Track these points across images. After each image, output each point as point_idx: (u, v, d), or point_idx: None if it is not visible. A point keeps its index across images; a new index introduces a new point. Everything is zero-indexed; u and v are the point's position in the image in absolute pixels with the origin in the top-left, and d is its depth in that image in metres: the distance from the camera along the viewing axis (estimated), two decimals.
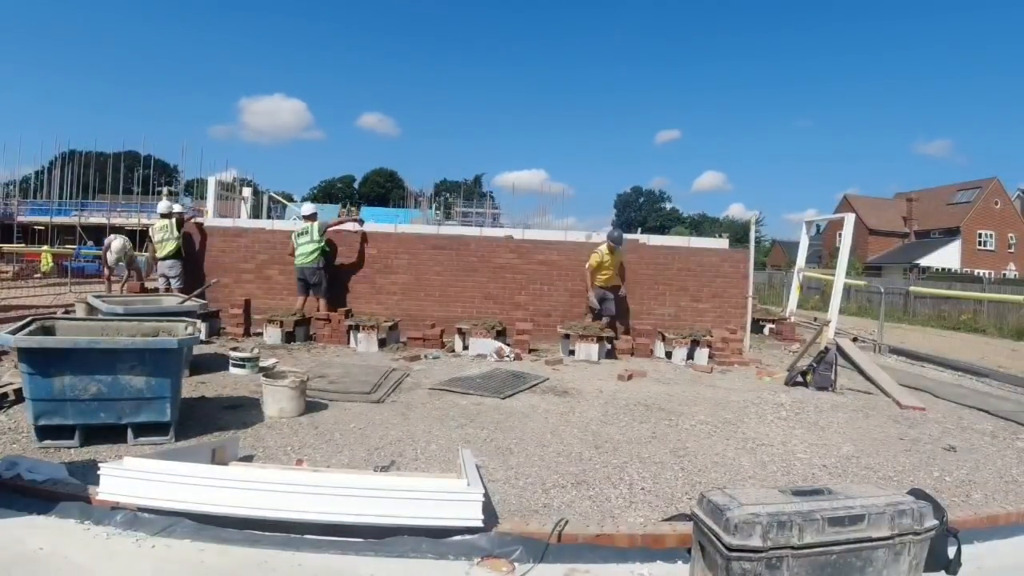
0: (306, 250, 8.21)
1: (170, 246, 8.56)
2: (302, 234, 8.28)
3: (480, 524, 2.57)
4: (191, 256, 8.81)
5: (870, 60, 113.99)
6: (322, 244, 8.26)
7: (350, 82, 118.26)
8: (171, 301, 7.08)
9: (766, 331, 10.51)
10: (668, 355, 7.65)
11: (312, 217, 8.42)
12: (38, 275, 18.81)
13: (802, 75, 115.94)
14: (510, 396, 5.31)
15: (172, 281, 8.57)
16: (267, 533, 2.57)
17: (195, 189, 35.78)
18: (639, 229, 34.36)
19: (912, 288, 17.74)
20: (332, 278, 8.55)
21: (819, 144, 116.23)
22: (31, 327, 3.91)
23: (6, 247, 20.84)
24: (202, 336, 6.46)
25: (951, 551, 2.47)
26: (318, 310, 8.23)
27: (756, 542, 1.99)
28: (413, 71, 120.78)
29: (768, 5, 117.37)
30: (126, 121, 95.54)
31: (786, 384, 6.33)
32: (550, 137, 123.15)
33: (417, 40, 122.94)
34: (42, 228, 30.08)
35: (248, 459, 3.47)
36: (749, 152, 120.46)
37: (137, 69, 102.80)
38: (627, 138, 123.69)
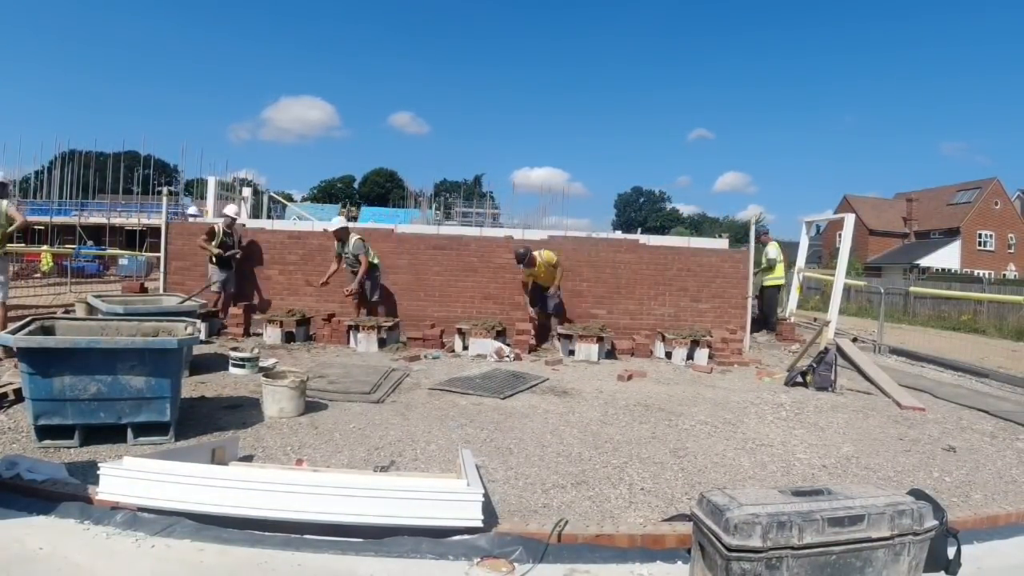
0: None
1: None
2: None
3: (480, 524, 2.57)
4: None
5: (899, 60, 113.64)
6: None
7: (376, 82, 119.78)
8: (171, 301, 7.09)
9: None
10: (668, 355, 7.65)
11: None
12: (38, 275, 18.81)
13: (834, 75, 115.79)
14: (510, 396, 5.31)
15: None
16: (267, 533, 2.57)
17: (195, 189, 35.81)
18: (639, 229, 34.37)
19: (912, 288, 17.73)
20: (333, 279, 8.63)
21: (843, 145, 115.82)
22: (31, 327, 3.91)
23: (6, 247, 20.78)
24: (202, 336, 6.46)
25: (951, 551, 2.46)
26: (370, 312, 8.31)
27: (756, 542, 1.99)
28: (441, 72, 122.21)
29: (805, 4, 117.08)
30: (128, 121, 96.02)
31: (786, 384, 6.33)
32: (572, 136, 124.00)
33: (443, 42, 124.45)
34: (42, 228, 30.08)
35: (248, 459, 3.47)
36: (774, 153, 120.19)
37: (142, 69, 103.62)
38: (654, 138, 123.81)
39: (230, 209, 8.65)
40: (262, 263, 8.81)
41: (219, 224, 8.37)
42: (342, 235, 8.12)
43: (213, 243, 8.22)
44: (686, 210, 79.11)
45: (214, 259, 8.26)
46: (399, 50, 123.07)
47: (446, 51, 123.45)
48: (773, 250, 10.02)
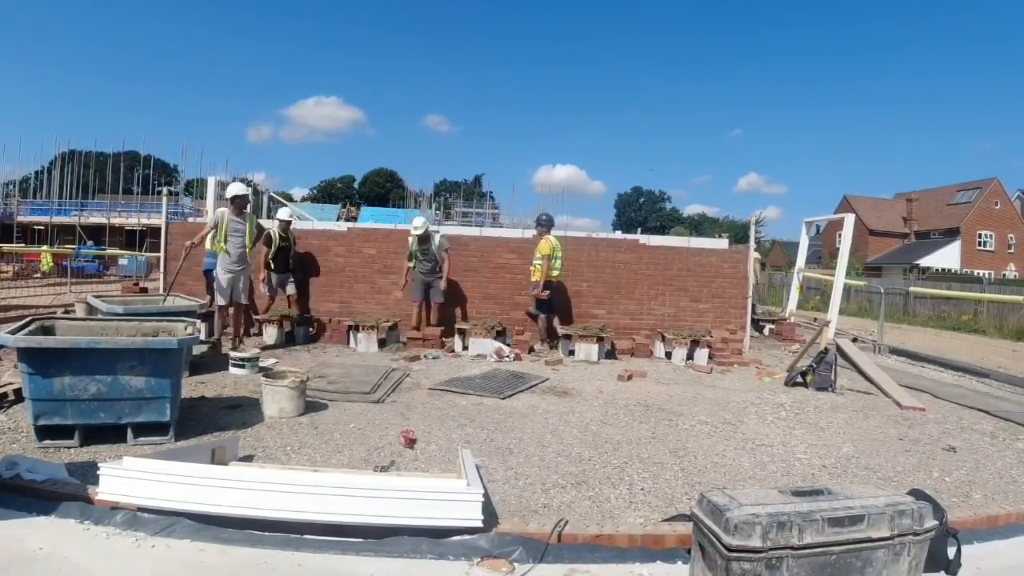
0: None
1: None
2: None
3: (480, 524, 2.57)
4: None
5: (928, 57, 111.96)
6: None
7: (400, 84, 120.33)
8: (171, 301, 7.08)
9: (766, 331, 10.51)
10: (668, 355, 7.65)
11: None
12: (38, 275, 18.82)
13: (868, 74, 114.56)
14: (510, 396, 5.31)
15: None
16: (267, 533, 2.57)
17: (195, 189, 35.83)
18: (639, 229, 34.40)
19: (912, 289, 17.74)
20: (333, 279, 8.61)
21: (875, 145, 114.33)
22: (31, 327, 3.91)
23: (6, 247, 20.84)
24: (202, 336, 6.45)
25: (951, 551, 2.47)
26: (429, 320, 8.10)
27: (756, 542, 1.99)
28: (466, 73, 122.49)
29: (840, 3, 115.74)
30: (129, 121, 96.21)
31: (786, 384, 6.33)
32: (594, 135, 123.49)
33: (469, 44, 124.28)
34: (42, 228, 30.12)
35: (248, 459, 3.47)
36: (802, 153, 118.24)
37: (144, 69, 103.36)
38: (678, 137, 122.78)
39: (283, 212, 8.56)
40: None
41: (274, 228, 8.19)
42: (427, 235, 7.94)
43: (270, 249, 8.05)
44: (704, 211, 78.73)
45: (271, 264, 8.08)
46: (422, 52, 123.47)
47: (472, 53, 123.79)
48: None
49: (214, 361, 6.09)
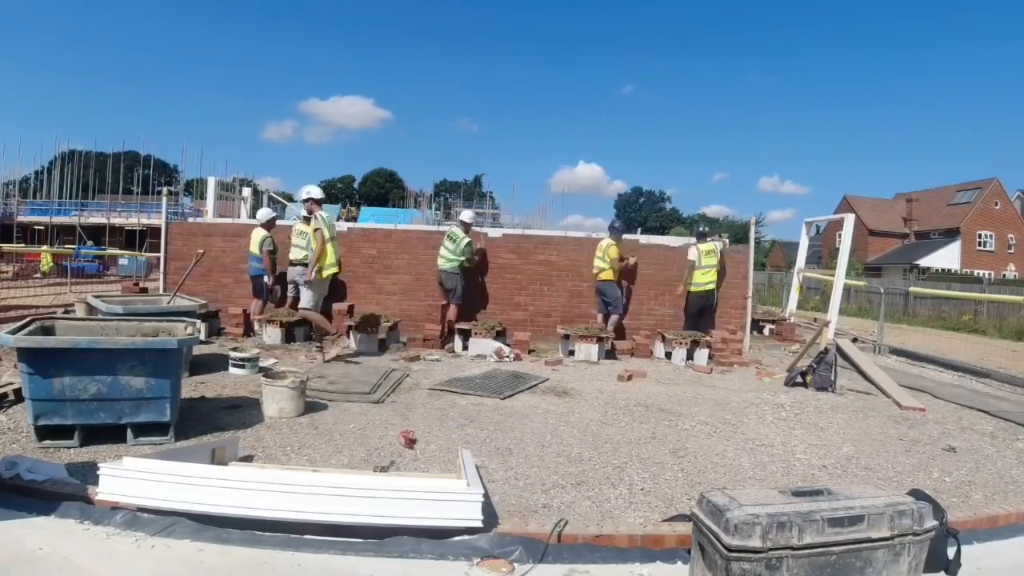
0: (447, 256, 8.17)
1: (299, 253, 8.12)
2: (450, 238, 8.19)
3: (480, 524, 2.57)
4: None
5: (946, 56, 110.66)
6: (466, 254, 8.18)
7: (423, 86, 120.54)
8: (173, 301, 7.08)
9: (766, 331, 10.51)
10: (668, 355, 7.65)
11: (467, 226, 8.37)
12: (38, 275, 18.82)
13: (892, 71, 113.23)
14: (510, 396, 5.31)
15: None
16: (267, 533, 2.57)
17: (195, 189, 35.85)
18: (639, 229, 34.33)
19: (912, 289, 17.72)
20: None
21: (896, 144, 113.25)
22: (31, 327, 3.91)
23: (6, 247, 20.82)
24: (202, 336, 6.46)
25: (951, 552, 2.47)
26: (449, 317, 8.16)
27: (756, 543, 1.99)
28: (487, 73, 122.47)
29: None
30: (131, 121, 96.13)
31: (786, 385, 6.33)
32: (615, 135, 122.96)
33: (490, 44, 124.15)
34: (42, 228, 30.11)
35: (248, 459, 3.47)
36: (827, 153, 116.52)
37: (145, 69, 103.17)
38: (694, 136, 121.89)
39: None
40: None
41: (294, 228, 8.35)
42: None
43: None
44: (720, 211, 78.04)
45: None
46: (453, 56, 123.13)
47: (499, 55, 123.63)
48: (694, 252, 8.53)
49: (214, 361, 6.09)
